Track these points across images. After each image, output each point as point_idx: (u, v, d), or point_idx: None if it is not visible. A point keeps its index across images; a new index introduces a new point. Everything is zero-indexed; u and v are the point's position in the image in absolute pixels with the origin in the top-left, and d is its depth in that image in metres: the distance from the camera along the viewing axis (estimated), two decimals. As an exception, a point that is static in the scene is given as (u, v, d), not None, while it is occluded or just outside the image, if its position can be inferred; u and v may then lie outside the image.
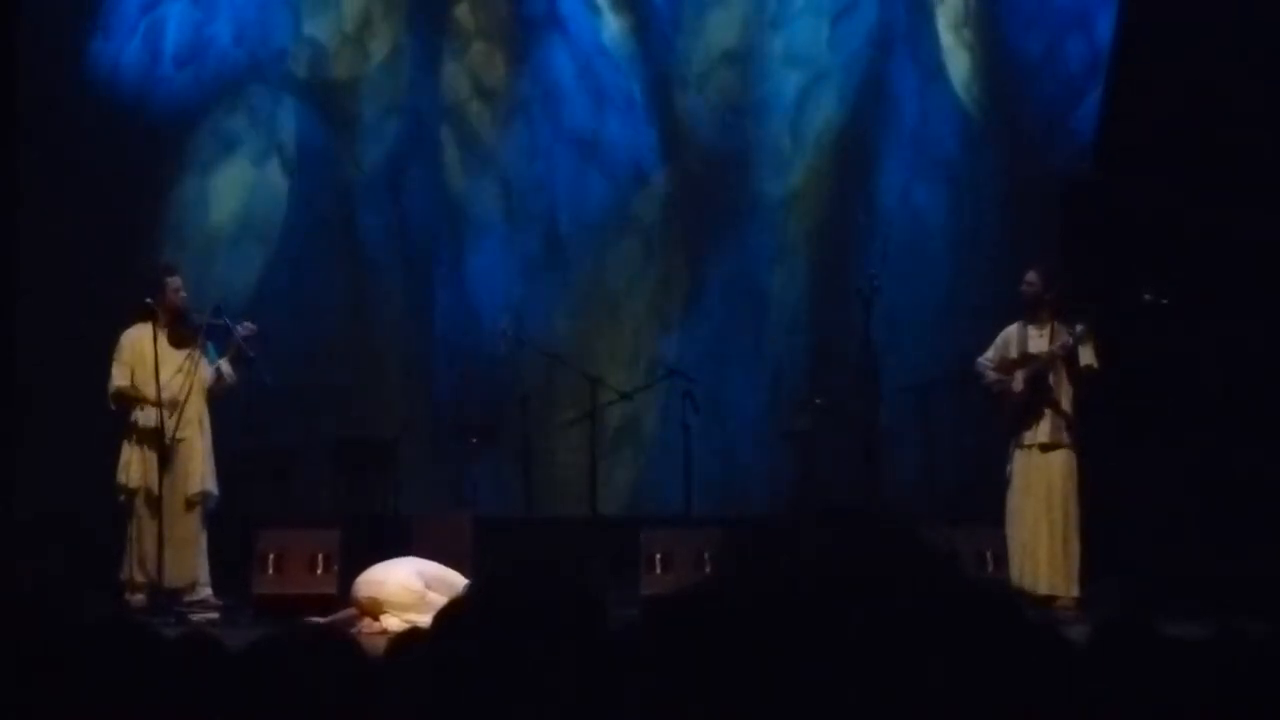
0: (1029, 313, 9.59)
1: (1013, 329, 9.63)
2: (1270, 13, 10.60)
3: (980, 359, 9.69)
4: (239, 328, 9.53)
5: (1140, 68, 10.96)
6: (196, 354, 9.47)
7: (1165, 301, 9.43)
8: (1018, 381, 9.55)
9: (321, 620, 8.55)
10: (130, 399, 9.41)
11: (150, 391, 9.27)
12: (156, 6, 11.43)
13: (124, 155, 11.18)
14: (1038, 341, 9.53)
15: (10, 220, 11.05)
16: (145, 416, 9.35)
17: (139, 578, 9.28)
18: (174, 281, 9.48)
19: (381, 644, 3.13)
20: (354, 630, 8.46)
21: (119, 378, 9.43)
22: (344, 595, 9.07)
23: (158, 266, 9.86)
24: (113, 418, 9.49)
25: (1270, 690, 2.65)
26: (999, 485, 9.61)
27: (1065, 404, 9.46)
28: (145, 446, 9.32)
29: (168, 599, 9.17)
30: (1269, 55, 10.53)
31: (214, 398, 9.58)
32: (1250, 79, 10.56)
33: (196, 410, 9.48)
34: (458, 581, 8.89)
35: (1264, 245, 10.45)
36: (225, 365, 9.54)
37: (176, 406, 9.30)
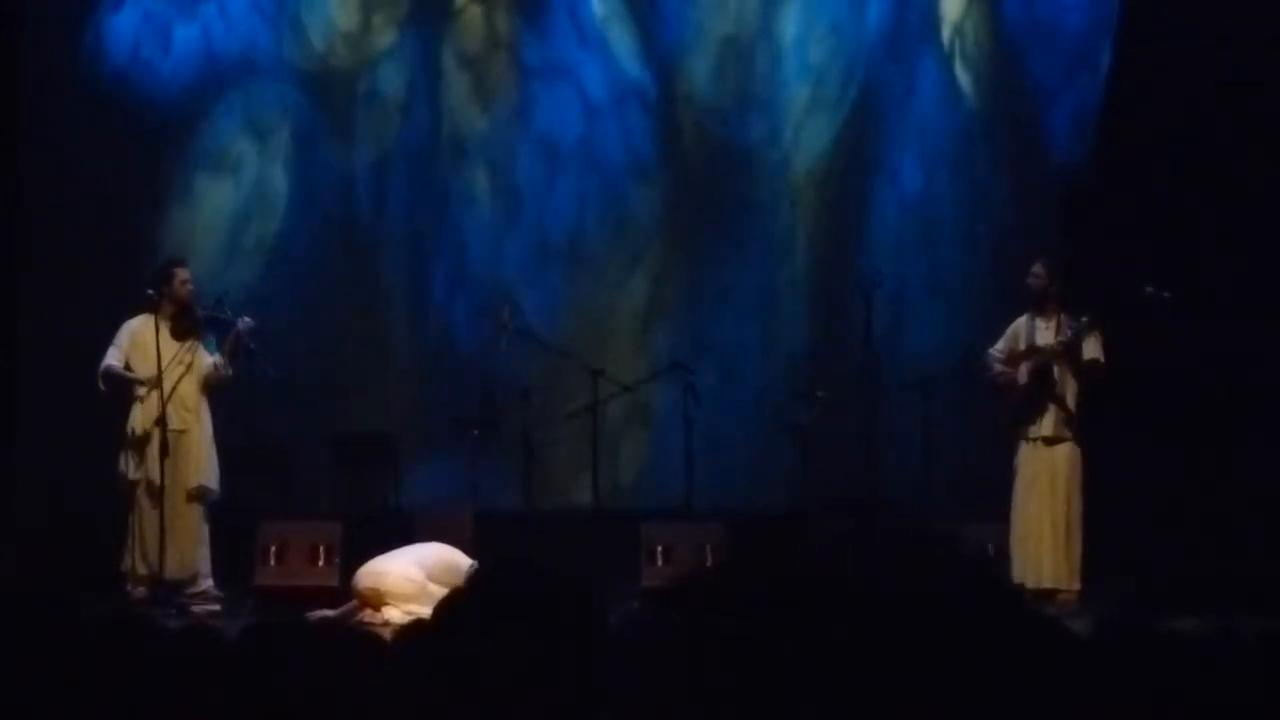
0: (1035, 305, 9.59)
1: (1021, 321, 9.64)
2: (1271, 12, 10.59)
3: (990, 350, 9.69)
4: (240, 322, 9.54)
5: (1140, 67, 10.95)
6: (196, 346, 9.48)
7: (1167, 295, 9.42)
8: (1022, 374, 9.56)
9: (328, 614, 8.58)
10: (118, 379, 9.40)
11: (150, 381, 9.29)
12: (157, 3, 11.42)
13: (125, 152, 11.18)
14: (1044, 334, 9.53)
15: (12, 216, 11.05)
16: (145, 407, 9.36)
17: (140, 570, 9.29)
18: (182, 273, 9.51)
19: (383, 636, 3.13)
20: (355, 622, 8.47)
21: (110, 358, 9.44)
22: (345, 587, 9.08)
23: (167, 259, 9.89)
24: (112, 409, 9.49)
25: (1270, 689, 2.66)
26: (1000, 479, 9.62)
27: (1069, 398, 9.46)
28: (146, 438, 9.32)
29: (169, 591, 9.18)
30: (1270, 54, 10.53)
31: (209, 390, 9.58)
32: (1252, 73, 10.56)
33: (196, 402, 9.49)
34: (461, 562, 8.93)
35: (1266, 240, 10.45)
36: (219, 358, 9.54)
37: (173, 396, 9.31)
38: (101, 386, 9.46)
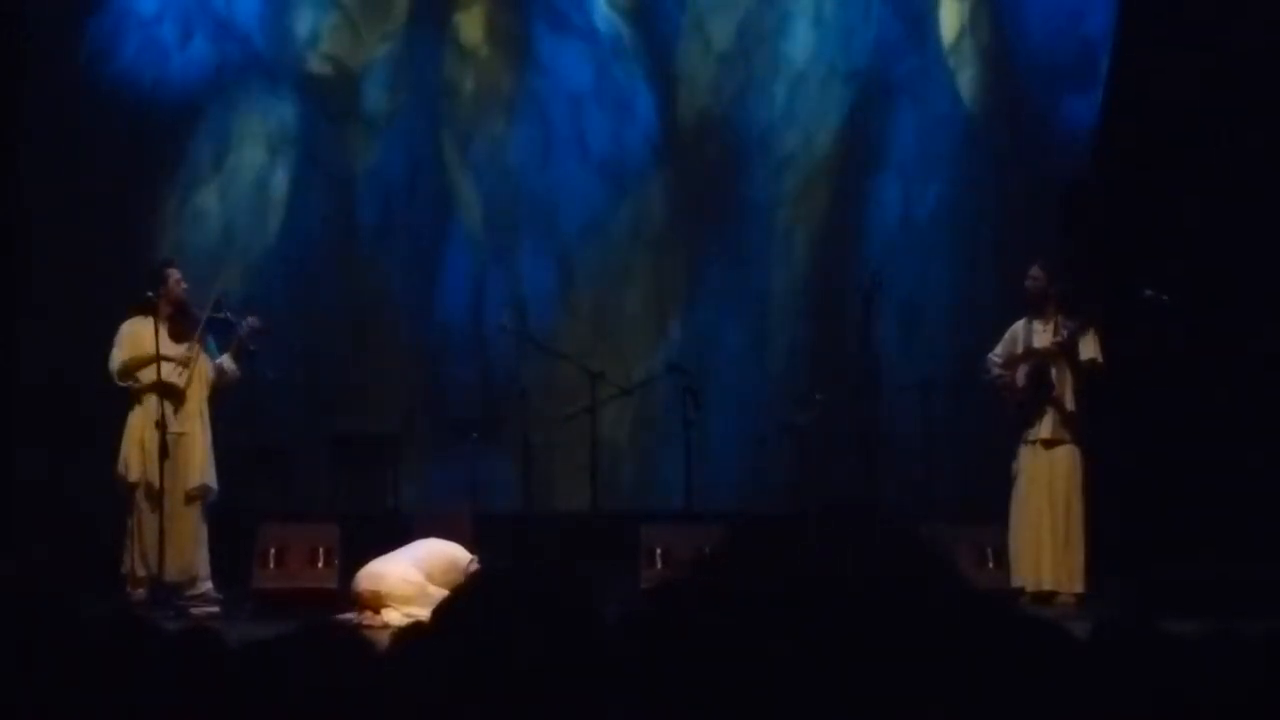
0: (1033, 308, 9.60)
1: (1019, 324, 9.65)
2: (1270, 11, 10.60)
3: (989, 354, 9.70)
4: (245, 322, 9.54)
5: (1140, 67, 10.95)
6: (197, 347, 9.47)
7: (1165, 298, 9.43)
8: (1020, 377, 9.56)
9: (350, 617, 8.58)
10: (136, 366, 9.35)
11: (151, 383, 9.28)
12: (158, 5, 11.42)
13: (125, 153, 11.18)
14: (1042, 336, 9.54)
15: (13, 217, 11.05)
16: (145, 409, 9.35)
17: (140, 572, 9.28)
18: (175, 273, 9.52)
19: (383, 638, 3.13)
20: (355, 623, 8.46)
21: (121, 356, 9.41)
22: (344, 589, 9.08)
23: (158, 260, 9.89)
24: (112, 409, 9.48)
25: (1270, 690, 2.66)
26: (999, 482, 9.62)
27: (1068, 399, 9.46)
28: (145, 440, 9.31)
29: (168, 593, 9.18)
30: (1269, 53, 10.54)
31: (216, 392, 9.58)
32: (1250, 77, 10.56)
33: (197, 404, 9.48)
34: (460, 557, 8.96)
35: (1266, 241, 10.45)
36: (228, 360, 9.55)
37: (176, 399, 9.31)
38: (121, 382, 9.40)
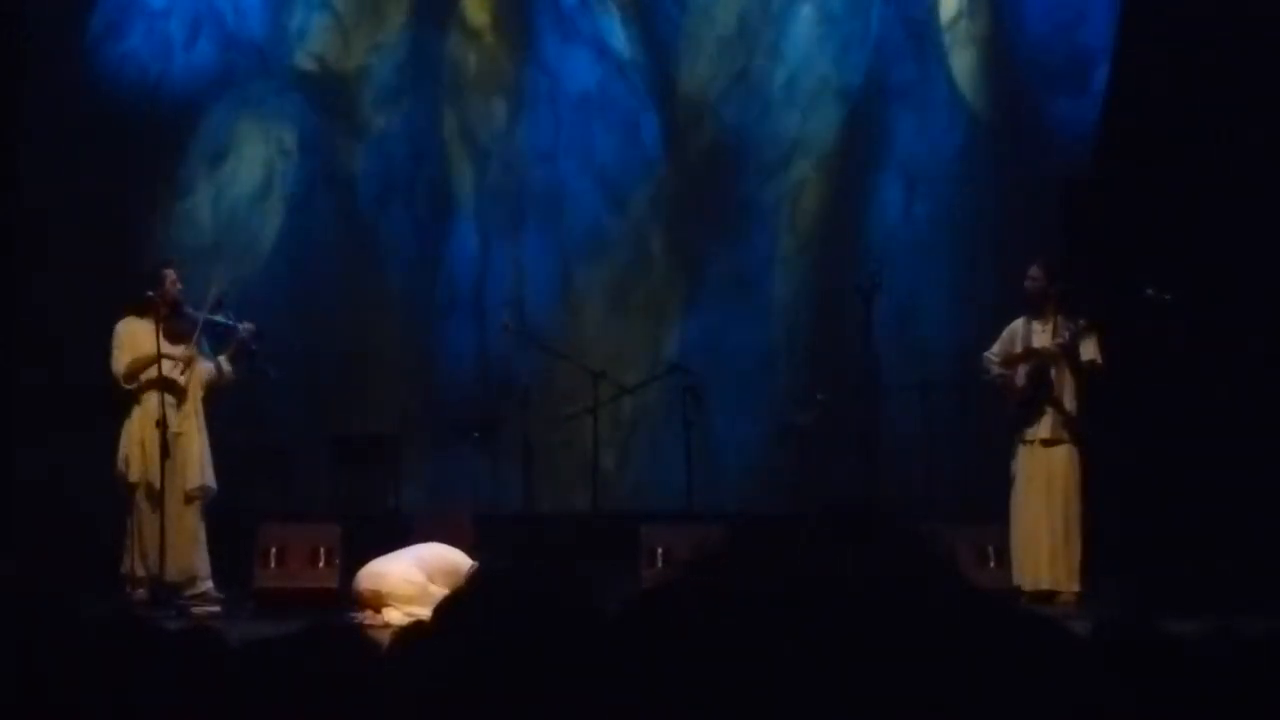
0: (1033, 307, 9.60)
1: (1018, 324, 9.65)
2: (1270, 11, 10.60)
3: (986, 353, 9.71)
4: (242, 325, 9.55)
5: (1140, 68, 10.95)
6: (193, 348, 9.48)
7: (1168, 297, 9.43)
8: (1020, 376, 9.56)
9: (358, 616, 8.58)
10: (138, 369, 9.36)
11: (150, 380, 9.29)
12: (158, 4, 11.42)
13: (125, 152, 11.18)
14: (1041, 336, 9.54)
15: (13, 216, 11.05)
16: (144, 409, 9.35)
17: (140, 572, 9.29)
18: (171, 273, 9.54)
19: (384, 638, 3.14)
20: (356, 623, 8.46)
21: (124, 358, 9.41)
22: (345, 589, 9.08)
23: (156, 261, 9.90)
24: (113, 411, 9.49)
25: (1270, 689, 2.66)
26: (1000, 482, 9.62)
27: (1068, 399, 9.47)
28: (145, 440, 9.32)
29: (169, 593, 9.18)
30: (1269, 52, 10.54)
31: (212, 393, 9.58)
32: (1249, 75, 10.57)
33: (193, 405, 9.50)
34: (461, 563, 8.95)
35: (1266, 241, 10.45)
36: (224, 362, 9.56)
37: (179, 397, 9.32)
38: (127, 385, 9.42)
